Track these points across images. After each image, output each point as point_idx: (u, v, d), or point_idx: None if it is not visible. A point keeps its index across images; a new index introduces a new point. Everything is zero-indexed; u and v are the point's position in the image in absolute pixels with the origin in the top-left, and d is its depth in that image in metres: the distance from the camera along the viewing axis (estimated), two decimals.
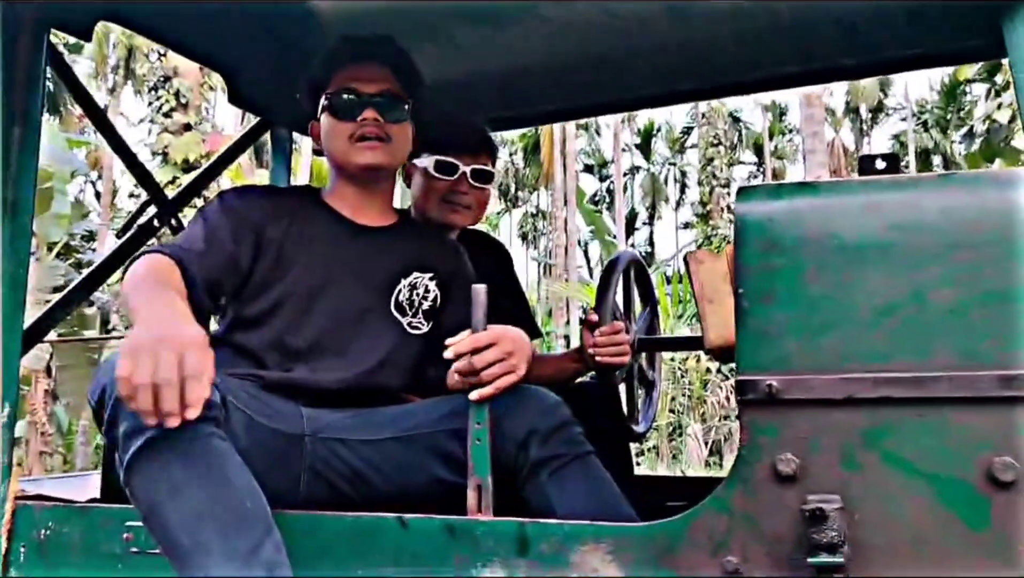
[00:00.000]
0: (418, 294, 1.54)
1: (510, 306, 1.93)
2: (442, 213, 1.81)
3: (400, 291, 1.52)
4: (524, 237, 34.06)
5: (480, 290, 1.23)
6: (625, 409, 1.86)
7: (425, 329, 1.54)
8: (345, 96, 1.50)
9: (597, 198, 35.45)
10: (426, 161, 1.81)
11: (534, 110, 2.14)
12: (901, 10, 1.64)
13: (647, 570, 1.04)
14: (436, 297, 1.56)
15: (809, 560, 0.94)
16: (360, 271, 1.50)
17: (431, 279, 1.56)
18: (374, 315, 1.50)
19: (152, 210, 1.90)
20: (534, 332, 2.00)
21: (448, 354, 1.25)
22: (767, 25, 1.72)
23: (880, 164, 1.13)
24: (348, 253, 1.50)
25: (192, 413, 0.99)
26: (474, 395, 1.21)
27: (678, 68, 1.91)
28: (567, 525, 1.10)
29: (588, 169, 35.57)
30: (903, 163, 1.31)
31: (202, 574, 1.03)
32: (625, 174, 33.85)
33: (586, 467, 1.32)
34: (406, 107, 1.54)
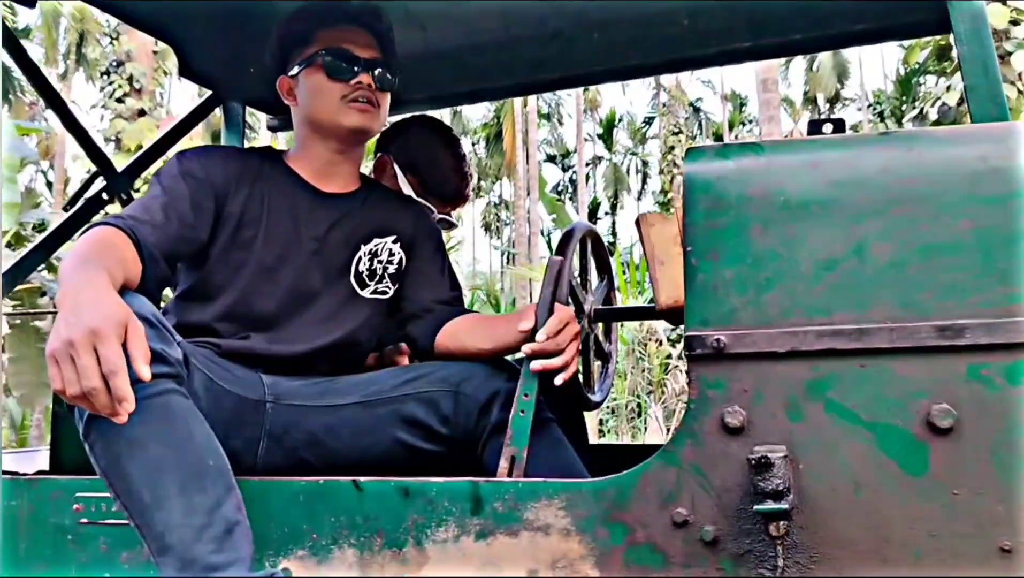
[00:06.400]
0: (380, 261, 1.53)
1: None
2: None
3: (360, 260, 1.51)
4: (487, 227, 34.03)
5: (554, 263, 1.29)
6: (580, 379, 1.87)
7: (392, 292, 1.55)
8: (342, 56, 1.47)
9: (560, 188, 35.53)
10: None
11: (488, 85, 2.13)
12: None
13: (599, 524, 1.06)
14: (401, 259, 1.56)
15: (756, 508, 0.96)
16: (320, 244, 1.48)
17: (394, 241, 1.55)
18: (333, 289, 1.48)
19: (101, 184, 1.86)
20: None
21: (539, 337, 1.27)
22: None
23: (827, 128, 1.16)
24: (308, 224, 1.48)
25: (128, 406, 0.96)
26: (536, 365, 1.25)
27: (632, 42, 1.92)
28: (520, 483, 1.11)
29: (551, 159, 35.64)
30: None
31: (162, 529, 1.03)
32: (587, 164, 33.99)
33: (546, 431, 1.33)
34: (394, 79, 1.53)
